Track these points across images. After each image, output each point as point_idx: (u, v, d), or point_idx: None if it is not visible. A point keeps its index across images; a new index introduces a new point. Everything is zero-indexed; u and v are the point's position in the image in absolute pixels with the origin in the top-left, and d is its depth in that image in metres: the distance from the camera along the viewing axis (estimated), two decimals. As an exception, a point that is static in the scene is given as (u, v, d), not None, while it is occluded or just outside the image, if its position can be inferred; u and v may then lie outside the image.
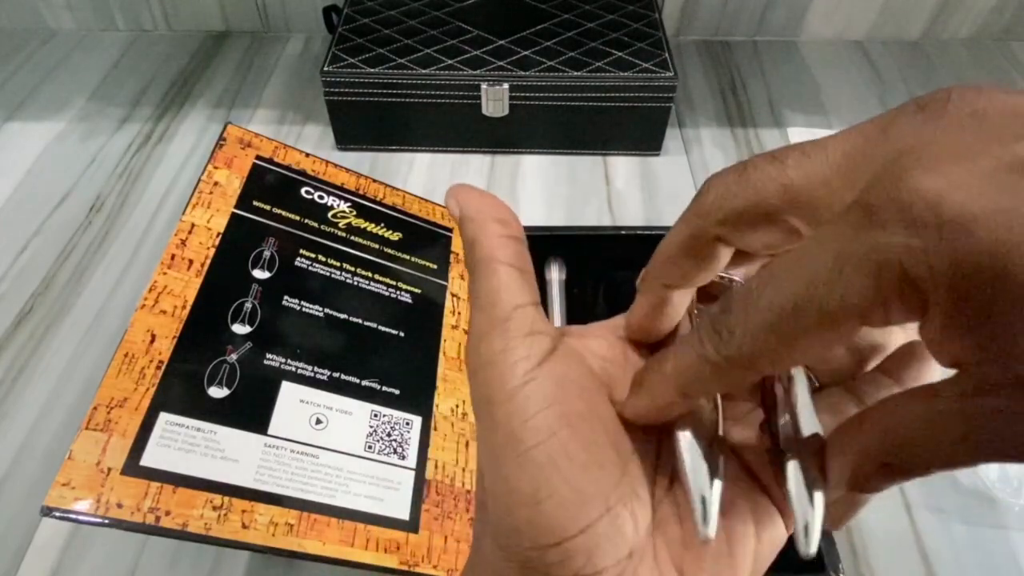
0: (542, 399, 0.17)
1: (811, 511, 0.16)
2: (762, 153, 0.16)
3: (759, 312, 0.15)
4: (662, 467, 0.19)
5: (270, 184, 0.48)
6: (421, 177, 0.68)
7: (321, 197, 0.49)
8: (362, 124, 0.68)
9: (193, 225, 0.43)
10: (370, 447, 0.41)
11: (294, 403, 0.40)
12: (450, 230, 0.55)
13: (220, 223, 0.44)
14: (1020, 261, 0.11)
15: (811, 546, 0.16)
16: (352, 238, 0.49)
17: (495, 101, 0.65)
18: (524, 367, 0.17)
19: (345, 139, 0.69)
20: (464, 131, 0.68)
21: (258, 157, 0.48)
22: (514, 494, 0.17)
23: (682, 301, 0.21)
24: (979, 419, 0.13)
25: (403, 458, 0.41)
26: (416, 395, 0.44)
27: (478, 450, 0.19)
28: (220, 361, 0.39)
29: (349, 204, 0.50)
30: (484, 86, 0.63)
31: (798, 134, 0.72)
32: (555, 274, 0.54)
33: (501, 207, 0.20)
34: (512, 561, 0.17)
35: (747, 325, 0.15)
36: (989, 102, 0.13)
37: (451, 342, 0.48)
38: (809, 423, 0.18)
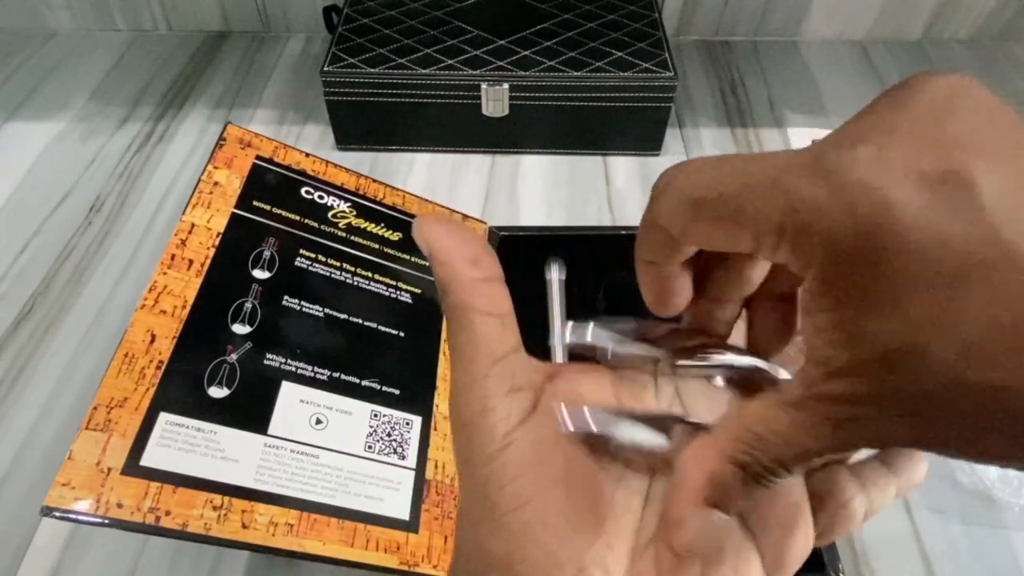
0: (519, 465, 0.17)
1: None
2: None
3: (693, 185, 0.17)
4: (648, 516, 0.19)
5: (270, 184, 0.48)
6: (421, 177, 0.68)
7: (321, 197, 0.49)
8: (362, 124, 0.68)
9: (193, 225, 0.43)
10: (370, 447, 0.41)
11: (294, 403, 0.40)
12: (450, 230, 0.55)
13: (220, 223, 0.44)
14: (903, 257, 0.13)
15: None
16: (352, 238, 0.49)
17: (495, 101, 0.65)
18: (503, 429, 0.17)
19: (345, 139, 0.69)
20: (464, 131, 0.68)
21: (258, 157, 0.48)
22: (487, 556, 0.17)
23: (677, 274, 0.20)
24: (822, 406, 0.15)
25: (403, 458, 0.41)
26: (416, 395, 0.44)
27: (458, 514, 0.19)
28: (220, 361, 0.39)
29: (349, 204, 0.50)
30: (484, 86, 0.63)
31: (798, 134, 0.72)
32: (555, 274, 0.54)
33: (473, 243, 0.19)
34: None
35: (674, 193, 0.17)
36: (960, 95, 0.14)
37: (451, 342, 0.48)
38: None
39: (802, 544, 0.18)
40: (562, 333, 0.21)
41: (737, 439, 0.17)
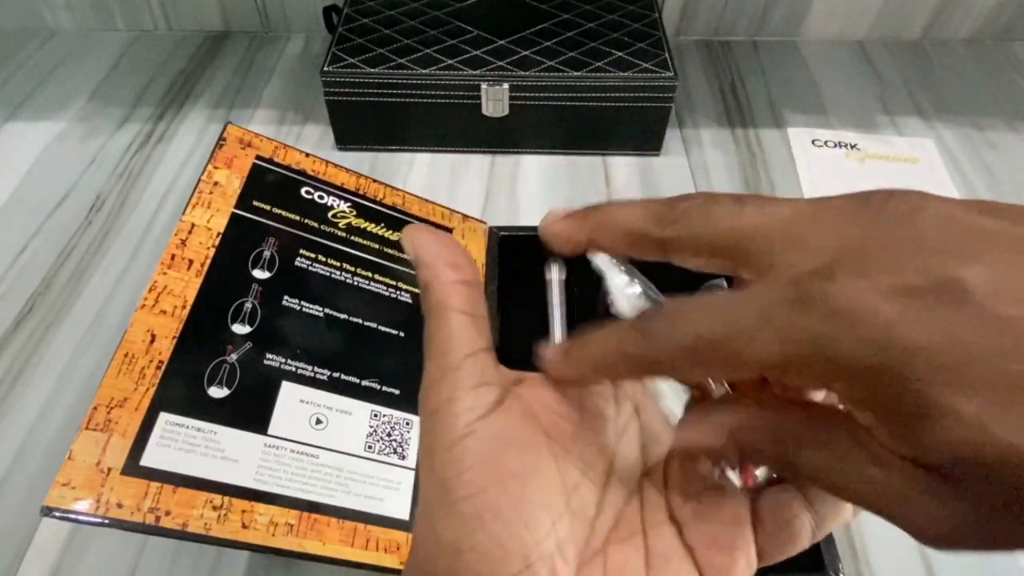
0: (477, 454, 0.18)
1: None
2: (730, 193, 0.18)
3: (682, 333, 0.17)
4: (600, 525, 0.19)
5: (270, 184, 0.48)
6: (421, 177, 0.68)
7: (321, 197, 0.49)
8: (362, 124, 0.68)
9: (193, 225, 0.43)
10: (370, 447, 0.41)
11: (294, 403, 0.40)
12: (450, 230, 0.55)
13: (220, 223, 0.44)
14: (922, 365, 0.13)
15: None
16: (352, 238, 0.49)
17: (495, 101, 0.65)
18: (467, 419, 0.18)
19: (345, 139, 0.69)
20: (464, 131, 0.68)
21: (258, 157, 0.48)
22: (438, 541, 0.17)
23: None
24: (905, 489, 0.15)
25: (403, 458, 0.41)
26: (416, 395, 0.44)
27: (419, 496, 0.19)
28: (220, 361, 0.39)
29: (349, 204, 0.50)
30: (484, 86, 0.63)
31: (798, 134, 0.72)
32: (555, 274, 0.54)
33: (455, 250, 0.21)
34: None
35: (666, 340, 0.17)
36: (923, 209, 0.15)
37: (451, 342, 0.48)
38: None
39: (743, 566, 0.19)
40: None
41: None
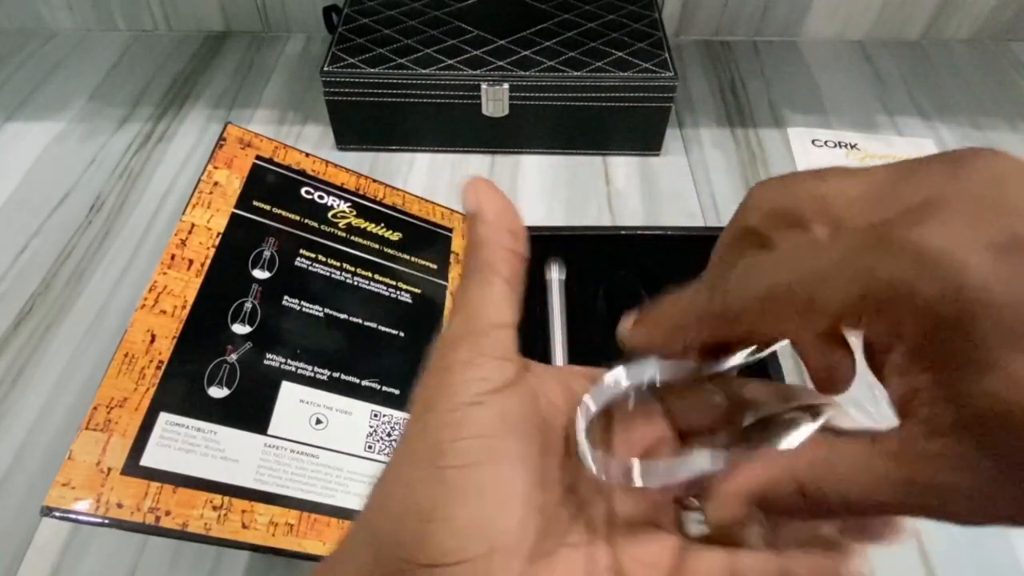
0: (480, 426, 0.17)
1: None
2: (808, 170, 0.18)
3: (756, 284, 0.17)
4: (558, 527, 0.19)
5: (270, 184, 0.48)
6: (421, 177, 0.68)
7: (321, 197, 0.49)
8: (362, 124, 0.68)
9: (193, 225, 0.43)
10: (370, 447, 0.41)
11: (294, 403, 0.40)
12: (450, 230, 0.55)
13: (220, 223, 0.44)
14: (990, 320, 0.14)
15: None
16: (352, 238, 0.49)
17: (495, 101, 0.65)
18: (478, 388, 0.17)
19: (345, 139, 0.69)
20: (464, 131, 0.68)
21: (258, 157, 0.48)
22: (411, 504, 0.17)
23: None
24: (918, 463, 0.15)
25: (403, 458, 0.41)
26: (416, 395, 0.44)
27: (396, 448, 0.18)
28: (220, 361, 0.39)
29: (349, 204, 0.50)
30: (484, 86, 0.63)
31: (798, 134, 0.72)
32: (555, 274, 0.54)
33: (517, 220, 0.20)
34: (380, 567, 0.17)
35: (740, 291, 0.17)
36: (1010, 170, 0.15)
37: (451, 342, 0.48)
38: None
39: None
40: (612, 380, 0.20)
41: (814, 464, 0.17)
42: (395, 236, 0.51)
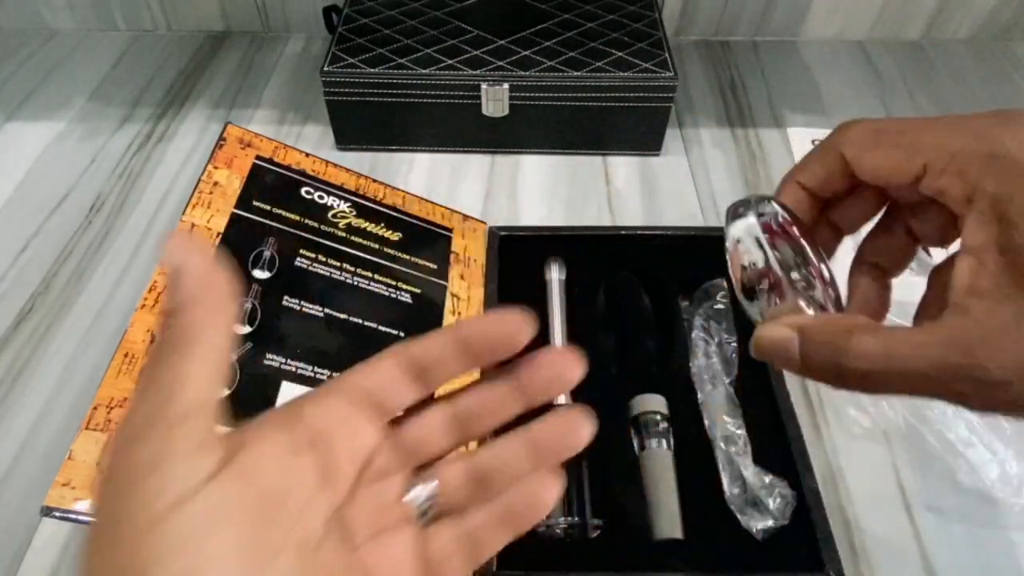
0: (182, 538, 0.15)
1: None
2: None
3: (879, 122, 0.23)
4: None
5: (270, 184, 0.48)
6: (421, 177, 0.68)
7: (321, 197, 0.49)
8: (362, 124, 0.68)
9: (193, 225, 0.43)
10: (370, 447, 0.41)
11: (294, 403, 0.40)
12: (450, 230, 0.55)
13: (220, 223, 0.44)
14: None
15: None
16: (352, 238, 0.49)
17: (495, 101, 0.65)
18: (175, 492, 0.15)
19: (345, 139, 0.69)
20: (464, 131, 0.68)
21: (258, 157, 0.48)
22: None
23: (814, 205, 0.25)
24: (961, 320, 0.19)
25: (403, 458, 0.41)
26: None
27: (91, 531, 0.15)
28: (220, 361, 0.39)
29: (349, 204, 0.50)
30: (484, 86, 0.63)
31: (798, 134, 0.72)
32: (555, 274, 0.54)
33: (223, 278, 0.18)
34: None
35: (863, 124, 0.24)
36: None
37: (451, 342, 0.48)
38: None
39: None
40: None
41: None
42: (395, 236, 0.51)
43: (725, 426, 0.45)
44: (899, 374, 0.19)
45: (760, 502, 0.42)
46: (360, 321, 0.45)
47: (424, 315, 0.48)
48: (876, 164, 0.22)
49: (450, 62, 0.64)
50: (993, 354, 0.18)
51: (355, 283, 0.47)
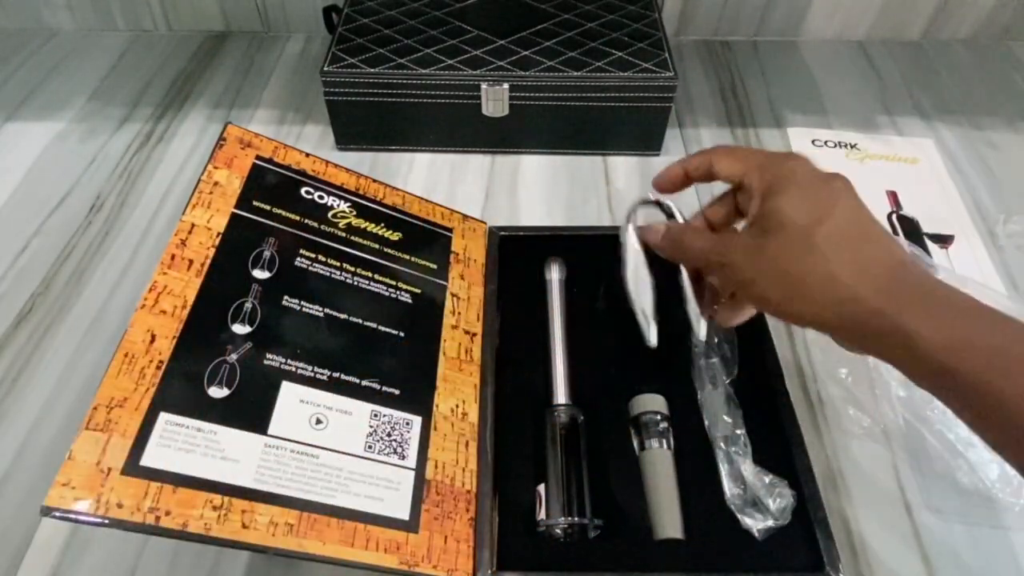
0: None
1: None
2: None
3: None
4: None
5: (270, 184, 0.48)
6: (421, 177, 0.68)
7: (321, 197, 0.49)
8: (362, 124, 0.68)
9: (193, 225, 0.43)
10: (370, 447, 0.41)
11: (294, 403, 0.40)
12: (450, 230, 0.55)
13: (220, 223, 0.44)
14: (785, 194, 0.34)
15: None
16: (352, 238, 0.49)
17: (495, 101, 0.65)
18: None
19: (345, 139, 0.69)
20: (464, 131, 0.68)
21: (258, 157, 0.48)
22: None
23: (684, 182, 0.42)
24: (736, 243, 0.36)
25: (403, 458, 0.41)
26: (416, 395, 0.44)
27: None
28: (220, 361, 0.39)
29: (349, 204, 0.50)
30: (484, 86, 0.63)
31: (798, 134, 0.72)
32: (555, 274, 0.54)
33: None
34: None
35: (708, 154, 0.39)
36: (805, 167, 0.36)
37: (451, 342, 0.48)
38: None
39: None
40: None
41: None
42: (395, 236, 0.51)
43: (725, 426, 0.45)
44: (687, 251, 0.39)
45: (760, 502, 0.42)
46: (360, 321, 0.45)
47: (424, 315, 0.48)
48: (727, 169, 0.38)
49: (450, 62, 0.64)
50: (735, 256, 0.35)
51: (355, 283, 0.47)
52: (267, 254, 0.45)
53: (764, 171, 0.35)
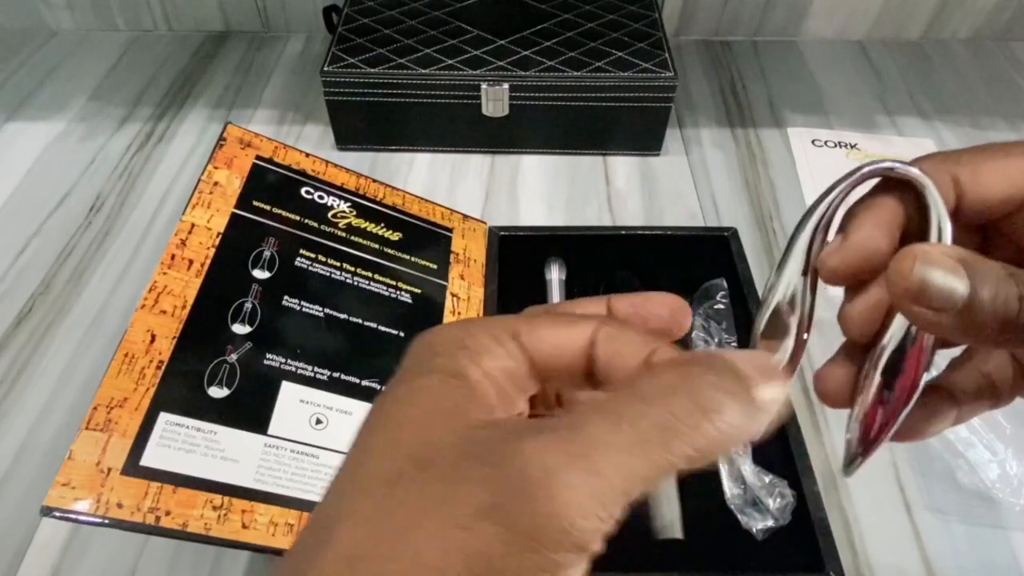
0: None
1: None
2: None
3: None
4: None
5: (270, 184, 0.48)
6: (421, 177, 0.68)
7: (321, 197, 0.49)
8: (362, 124, 0.68)
9: (193, 225, 0.43)
10: (370, 447, 0.41)
11: (294, 403, 0.40)
12: (450, 230, 0.55)
13: (220, 223, 0.44)
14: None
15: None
16: (352, 238, 0.49)
17: (495, 101, 0.65)
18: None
19: (345, 139, 0.69)
20: (464, 131, 0.68)
21: (258, 157, 0.48)
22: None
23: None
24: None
25: (403, 458, 0.41)
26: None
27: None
28: (220, 361, 0.39)
29: (349, 204, 0.50)
30: (484, 86, 0.63)
31: (798, 134, 0.72)
32: (555, 274, 0.54)
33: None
34: None
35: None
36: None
37: (451, 342, 0.48)
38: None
39: None
40: None
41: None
42: (395, 236, 0.51)
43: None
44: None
45: (760, 502, 0.42)
46: (360, 321, 0.45)
47: (424, 315, 0.48)
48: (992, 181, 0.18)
49: (450, 62, 0.64)
50: None
51: (355, 283, 0.47)
52: (267, 254, 0.45)
53: None
